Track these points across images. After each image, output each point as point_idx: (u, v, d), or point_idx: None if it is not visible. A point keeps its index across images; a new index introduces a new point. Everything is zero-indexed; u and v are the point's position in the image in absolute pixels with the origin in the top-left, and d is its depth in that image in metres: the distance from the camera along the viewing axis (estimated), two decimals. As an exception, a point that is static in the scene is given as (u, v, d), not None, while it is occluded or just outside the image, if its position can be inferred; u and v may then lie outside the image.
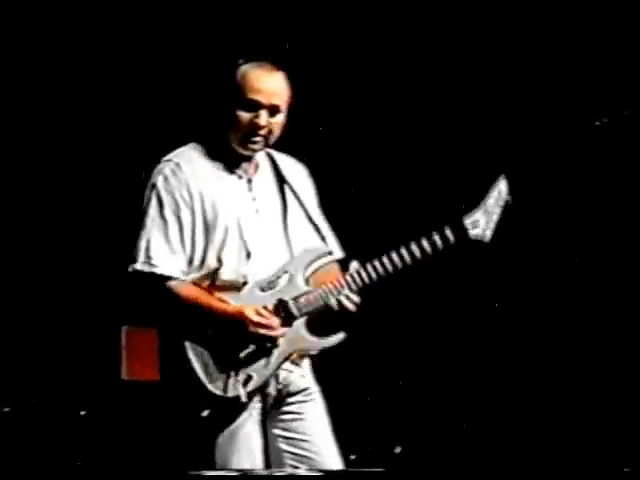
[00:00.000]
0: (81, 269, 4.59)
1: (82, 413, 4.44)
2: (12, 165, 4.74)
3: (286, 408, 2.85)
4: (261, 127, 2.78)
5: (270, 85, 2.81)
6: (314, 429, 2.85)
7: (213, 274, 2.80)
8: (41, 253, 4.78)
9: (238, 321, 2.74)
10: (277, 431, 2.83)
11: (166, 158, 2.84)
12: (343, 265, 2.93)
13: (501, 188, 2.90)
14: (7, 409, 4.46)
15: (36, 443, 4.37)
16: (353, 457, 4.28)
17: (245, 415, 2.77)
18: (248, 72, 2.82)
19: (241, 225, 2.82)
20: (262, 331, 2.74)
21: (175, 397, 2.82)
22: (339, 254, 2.94)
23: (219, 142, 2.85)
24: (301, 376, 2.88)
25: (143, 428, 4.28)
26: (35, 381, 4.66)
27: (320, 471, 2.78)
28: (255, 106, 2.78)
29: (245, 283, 2.80)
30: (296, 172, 2.97)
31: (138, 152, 4.19)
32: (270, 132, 2.82)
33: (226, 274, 2.80)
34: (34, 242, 4.79)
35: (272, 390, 2.82)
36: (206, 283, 2.80)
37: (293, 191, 2.92)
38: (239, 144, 2.80)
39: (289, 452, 2.84)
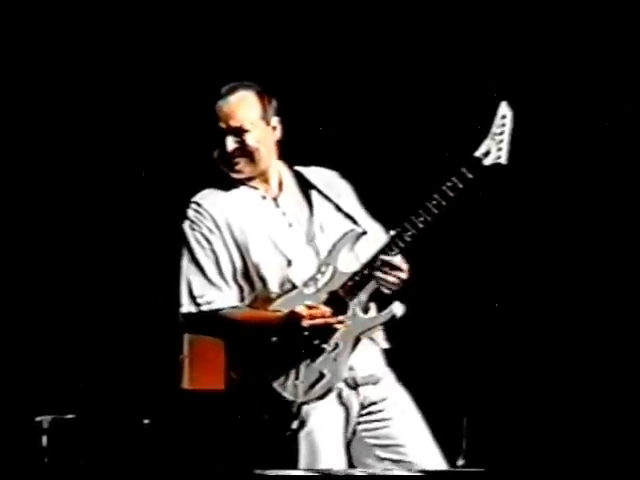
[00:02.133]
0: (146, 275, 4.63)
1: (145, 422, 4.44)
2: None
3: (371, 417, 2.86)
4: (231, 152, 2.88)
5: (223, 109, 2.89)
6: (405, 430, 2.86)
7: (264, 294, 2.87)
8: (106, 260, 4.84)
9: (293, 321, 2.78)
10: (369, 440, 2.84)
11: (191, 202, 2.94)
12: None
13: (504, 112, 2.93)
14: (71, 416, 4.47)
15: (99, 450, 4.39)
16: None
17: (326, 420, 2.79)
18: (215, 103, 2.92)
19: (275, 240, 2.89)
20: (318, 321, 2.76)
21: (248, 407, 2.85)
22: (381, 235, 2.93)
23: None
24: (375, 382, 2.89)
25: (206, 438, 4.27)
26: (99, 388, 4.72)
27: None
28: (222, 133, 2.88)
29: (295, 287, 2.86)
30: (323, 177, 3.02)
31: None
32: (247, 152, 2.89)
33: (273, 287, 2.86)
34: (96, 248, 4.86)
35: (354, 404, 2.84)
36: (261, 304, 2.87)
37: (321, 194, 2.97)
38: (229, 171, 2.91)
39: (386, 459, 2.84)
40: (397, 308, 2.85)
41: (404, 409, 2.91)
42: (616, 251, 4.63)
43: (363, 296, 2.84)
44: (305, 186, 2.99)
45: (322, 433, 2.81)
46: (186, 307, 2.86)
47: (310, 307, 2.78)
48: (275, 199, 2.96)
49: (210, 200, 2.92)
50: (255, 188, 2.94)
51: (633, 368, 4.46)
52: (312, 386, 2.79)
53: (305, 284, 2.85)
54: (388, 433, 2.86)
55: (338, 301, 2.81)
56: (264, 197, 2.95)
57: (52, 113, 4.74)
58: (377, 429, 2.88)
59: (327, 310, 2.79)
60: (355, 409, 2.86)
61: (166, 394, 4.55)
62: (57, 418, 4.49)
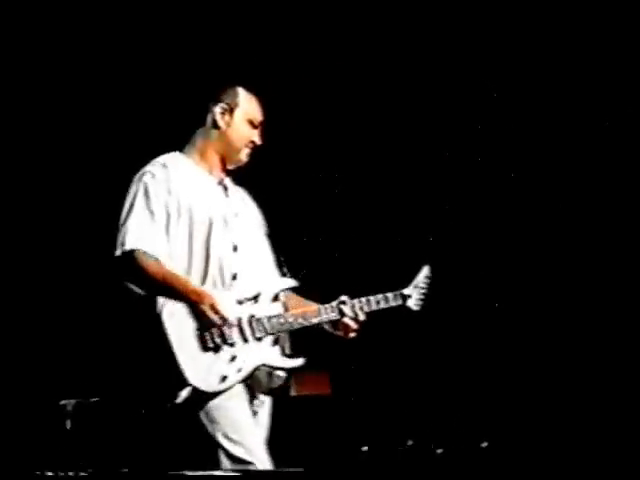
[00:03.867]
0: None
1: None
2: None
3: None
4: (256, 145, 3.10)
5: (256, 103, 3.14)
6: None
7: (204, 264, 2.97)
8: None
9: (198, 299, 2.89)
10: None
11: (153, 161, 3.05)
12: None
13: (426, 272, 3.22)
14: (94, 399, 4.54)
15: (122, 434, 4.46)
16: (440, 451, 4.49)
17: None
18: (248, 94, 3.12)
19: (227, 221, 3.03)
20: (212, 318, 2.87)
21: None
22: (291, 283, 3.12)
23: (202, 152, 3.09)
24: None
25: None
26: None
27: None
28: (257, 125, 3.10)
29: (235, 276, 3.00)
30: (246, 199, 3.23)
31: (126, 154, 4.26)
32: (255, 146, 3.11)
33: (214, 266, 2.98)
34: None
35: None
36: (199, 274, 2.97)
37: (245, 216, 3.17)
38: (233, 156, 3.10)
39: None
40: (300, 362, 3.06)
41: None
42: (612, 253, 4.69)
43: (280, 334, 3.03)
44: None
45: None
46: (128, 245, 2.92)
47: (214, 308, 2.91)
48: (226, 188, 3.12)
49: (175, 167, 3.03)
50: (216, 172, 3.11)
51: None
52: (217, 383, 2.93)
53: (239, 299, 2.99)
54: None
55: (256, 326, 2.97)
56: (219, 183, 3.11)
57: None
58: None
59: (224, 317, 2.92)
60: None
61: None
62: (81, 402, 4.56)
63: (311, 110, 4.80)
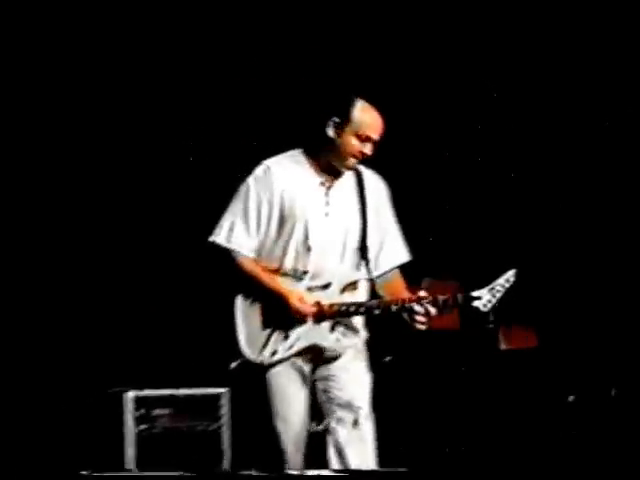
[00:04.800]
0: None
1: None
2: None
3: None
4: (365, 155, 3.32)
5: (380, 125, 3.33)
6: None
7: (280, 261, 3.33)
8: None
9: (282, 299, 3.28)
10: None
11: (263, 162, 3.39)
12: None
13: (509, 276, 3.31)
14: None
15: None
16: (571, 397, 4.65)
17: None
18: (364, 110, 3.30)
19: (308, 223, 3.32)
20: (299, 309, 3.26)
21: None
22: (405, 257, 3.46)
23: (316, 155, 3.35)
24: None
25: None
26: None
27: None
28: (367, 139, 3.30)
29: (305, 272, 3.32)
30: (374, 183, 3.44)
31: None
32: (365, 157, 3.38)
33: (289, 263, 3.33)
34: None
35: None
36: (273, 267, 3.34)
37: (366, 200, 3.40)
38: (341, 163, 3.31)
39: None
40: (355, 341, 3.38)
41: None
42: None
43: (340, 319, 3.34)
44: (359, 186, 3.42)
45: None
46: (219, 238, 3.35)
47: (301, 299, 3.28)
48: (329, 188, 3.37)
49: (279, 170, 3.35)
50: (321, 175, 3.36)
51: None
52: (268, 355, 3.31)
53: (312, 287, 3.33)
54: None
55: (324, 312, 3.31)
56: (322, 184, 3.36)
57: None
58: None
59: (311, 311, 3.29)
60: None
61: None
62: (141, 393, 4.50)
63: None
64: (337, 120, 3.28)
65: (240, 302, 3.30)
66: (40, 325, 4.87)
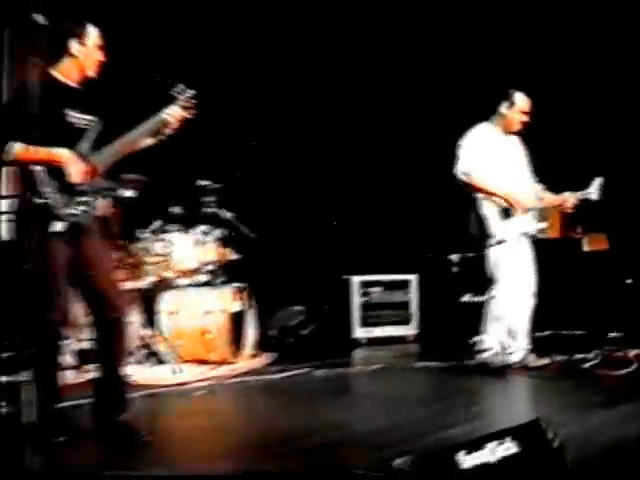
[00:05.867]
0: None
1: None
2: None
3: None
4: (524, 124, 5.27)
5: (527, 103, 5.27)
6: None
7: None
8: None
9: (511, 200, 5.26)
10: None
11: (477, 125, 5.24)
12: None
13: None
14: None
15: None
16: (629, 280, 5.69)
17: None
18: (522, 98, 5.23)
19: (512, 162, 5.27)
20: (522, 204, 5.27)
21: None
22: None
23: (500, 123, 5.22)
24: None
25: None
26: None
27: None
28: (524, 115, 5.26)
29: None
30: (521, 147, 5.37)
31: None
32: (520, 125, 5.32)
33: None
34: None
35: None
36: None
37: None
38: (512, 128, 5.25)
39: None
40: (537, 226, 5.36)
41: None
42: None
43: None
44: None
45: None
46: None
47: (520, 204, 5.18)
48: (512, 142, 5.35)
49: (486, 128, 5.28)
50: (505, 133, 5.29)
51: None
52: None
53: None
54: None
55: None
56: (507, 140, 5.31)
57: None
58: None
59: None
60: None
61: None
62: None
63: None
64: (508, 103, 5.14)
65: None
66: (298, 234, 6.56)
